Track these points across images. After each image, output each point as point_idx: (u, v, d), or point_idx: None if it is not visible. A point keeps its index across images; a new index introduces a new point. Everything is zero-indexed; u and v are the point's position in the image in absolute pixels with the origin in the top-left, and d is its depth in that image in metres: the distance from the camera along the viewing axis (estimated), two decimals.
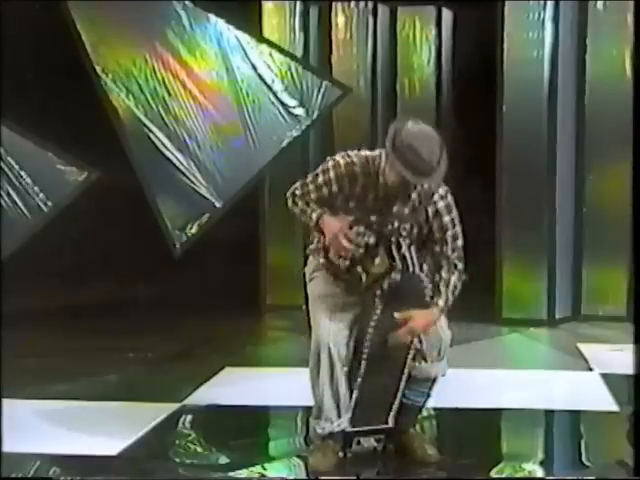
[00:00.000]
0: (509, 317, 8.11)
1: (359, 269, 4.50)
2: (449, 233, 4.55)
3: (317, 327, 4.58)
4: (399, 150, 4.30)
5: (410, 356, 4.58)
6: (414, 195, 4.51)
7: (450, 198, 4.57)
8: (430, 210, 4.53)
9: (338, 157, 4.56)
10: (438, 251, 4.56)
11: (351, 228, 4.46)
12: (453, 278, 4.55)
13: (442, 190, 4.56)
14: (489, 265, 8.17)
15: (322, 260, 4.67)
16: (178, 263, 8.34)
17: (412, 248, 4.50)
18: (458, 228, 4.59)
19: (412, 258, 4.48)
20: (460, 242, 4.60)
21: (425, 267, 4.55)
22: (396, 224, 4.51)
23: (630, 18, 7.93)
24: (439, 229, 4.55)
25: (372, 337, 4.54)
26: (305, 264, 4.82)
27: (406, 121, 4.39)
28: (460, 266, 4.58)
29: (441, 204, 4.54)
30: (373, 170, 4.50)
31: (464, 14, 9.18)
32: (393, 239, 4.49)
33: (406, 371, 4.61)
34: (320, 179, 4.56)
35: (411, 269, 4.46)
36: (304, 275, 4.80)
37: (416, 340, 4.57)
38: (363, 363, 4.56)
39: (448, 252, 4.56)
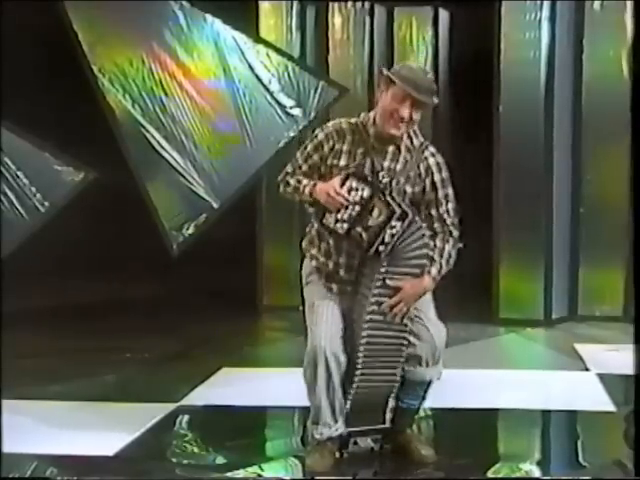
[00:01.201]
0: (506, 317, 8.11)
1: (358, 229, 4.43)
2: (441, 193, 4.53)
3: (313, 334, 4.56)
4: (396, 72, 4.43)
5: (404, 350, 4.57)
6: (404, 151, 4.52)
7: (440, 157, 4.57)
8: (422, 166, 4.52)
9: (326, 123, 4.66)
10: (434, 214, 4.54)
11: (343, 185, 4.42)
12: (447, 247, 4.53)
13: (432, 148, 4.58)
14: (486, 265, 8.18)
15: (314, 263, 4.66)
16: (175, 263, 8.34)
17: (406, 201, 4.45)
18: (450, 190, 4.56)
19: (409, 207, 4.44)
20: (453, 205, 4.56)
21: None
22: (388, 179, 4.49)
23: (627, 18, 7.94)
24: (431, 187, 4.53)
25: (372, 312, 4.49)
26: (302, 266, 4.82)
27: None
28: (455, 233, 4.56)
29: (432, 160, 4.54)
30: (362, 126, 4.54)
31: (461, 14, 9.19)
32: (387, 190, 4.45)
33: (399, 370, 4.62)
34: (309, 147, 4.61)
35: (410, 216, 4.40)
36: (301, 277, 4.79)
37: (412, 338, 4.57)
38: (360, 358, 4.54)
39: (444, 215, 4.53)
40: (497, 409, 5.77)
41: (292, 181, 4.63)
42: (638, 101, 6.67)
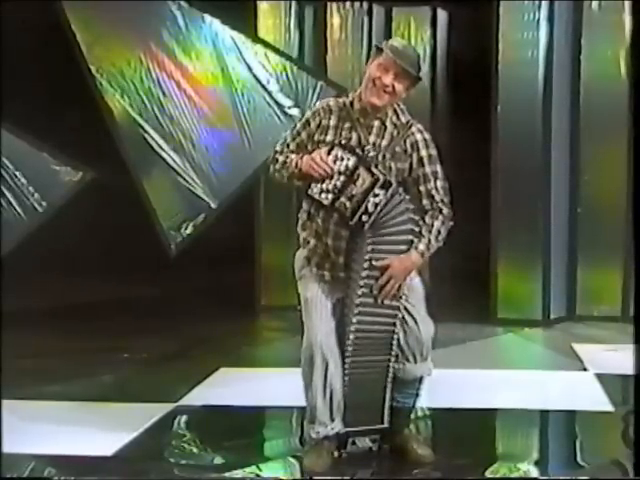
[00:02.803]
0: (504, 317, 8.11)
1: (342, 199, 4.43)
2: (428, 169, 4.52)
3: (309, 330, 4.58)
4: (386, 45, 4.49)
5: (396, 336, 4.58)
6: (390, 126, 4.53)
7: (428, 135, 4.57)
8: (408, 142, 4.52)
9: (315, 103, 4.81)
10: (423, 190, 4.52)
11: (329, 155, 4.43)
12: (436, 223, 4.51)
13: (419, 125, 4.59)
14: (484, 265, 8.18)
15: (305, 252, 4.65)
16: (173, 264, 8.34)
17: (392, 176, 4.45)
18: (439, 167, 4.55)
19: (393, 176, 4.44)
20: (443, 183, 4.55)
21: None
22: (374, 153, 4.49)
23: (625, 18, 7.95)
24: (418, 163, 4.52)
25: (362, 301, 4.50)
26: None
27: None
28: (445, 211, 4.54)
29: (419, 136, 4.54)
30: (349, 103, 4.60)
31: (459, 14, 9.19)
32: (372, 162, 4.46)
33: (391, 365, 4.62)
34: (298, 126, 4.66)
35: (394, 185, 4.40)
36: (293, 270, 4.79)
37: (401, 339, 4.59)
38: (350, 345, 4.55)
39: (432, 192, 4.52)
40: (495, 409, 5.77)
41: (281, 158, 4.62)
42: (637, 101, 6.69)
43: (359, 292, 4.50)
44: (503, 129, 8.05)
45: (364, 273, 4.48)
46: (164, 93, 8.17)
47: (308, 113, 4.66)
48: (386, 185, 4.40)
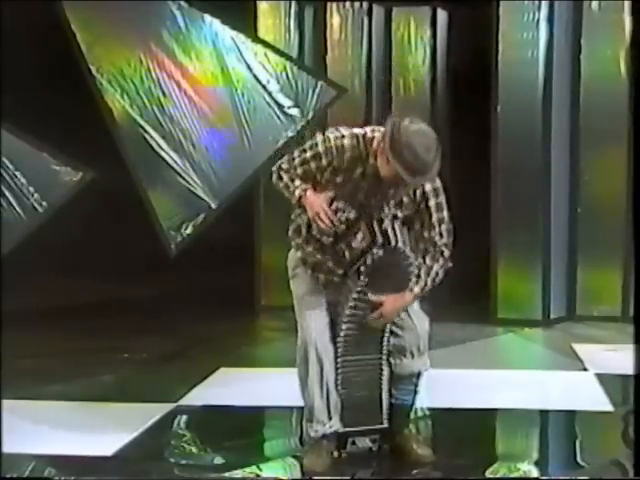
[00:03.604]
0: (504, 317, 8.11)
1: (342, 245, 4.46)
2: (435, 217, 4.49)
3: (303, 328, 4.59)
4: (397, 149, 4.23)
5: (385, 345, 4.58)
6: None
7: (438, 182, 4.51)
8: (418, 192, 4.48)
9: (328, 132, 4.50)
10: (426, 236, 4.51)
11: (331, 204, 4.42)
12: (436, 266, 4.51)
13: None
14: (484, 265, 8.18)
15: (300, 254, 4.65)
16: (173, 264, 8.34)
17: (396, 224, 4.44)
18: (446, 213, 4.53)
19: (395, 234, 4.43)
20: (447, 227, 4.53)
21: (409, 243, 4.50)
22: (380, 200, 4.46)
23: (625, 18, 7.95)
24: (426, 212, 4.49)
25: (350, 319, 4.53)
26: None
27: (404, 118, 4.31)
28: (447, 253, 4.53)
29: (428, 187, 4.48)
30: (363, 147, 4.43)
31: (459, 14, 9.18)
32: (375, 215, 4.44)
33: (384, 363, 4.63)
34: (308, 154, 4.51)
35: (393, 243, 4.40)
36: (287, 269, 4.78)
37: (392, 338, 4.59)
38: (341, 348, 4.57)
39: (435, 237, 4.50)
40: (495, 409, 5.77)
41: (285, 177, 4.57)
42: (637, 101, 6.69)
43: (350, 304, 4.53)
44: (503, 129, 8.05)
45: (352, 304, 4.52)
46: (164, 93, 8.17)
47: (321, 147, 4.45)
48: (385, 245, 4.42)
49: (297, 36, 8.77)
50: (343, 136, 4.45)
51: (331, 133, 4.49)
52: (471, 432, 5.28)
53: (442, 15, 9.17)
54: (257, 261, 8.85)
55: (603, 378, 6.28)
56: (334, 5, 8.82)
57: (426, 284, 4.51)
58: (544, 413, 5.71)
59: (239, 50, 8.27)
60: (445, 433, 5.42)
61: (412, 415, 4.90)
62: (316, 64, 8.78)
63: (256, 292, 8.85)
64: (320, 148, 4.47)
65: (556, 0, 8.00)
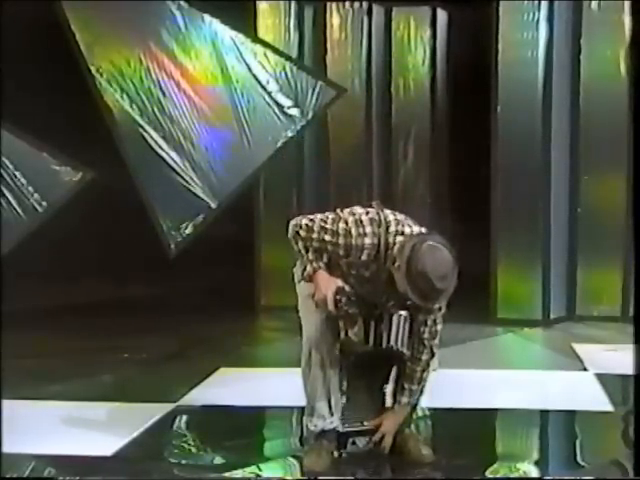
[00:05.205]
0: (504, 317, 8.11)
1: (340, 324, 4.50)
2: (431, 317, 4.53)
3: (308, 326, 4.61)
4: (412, 276, 4.19)
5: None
6: None
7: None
8: None
9: (351, 222, 4.40)
10: (416, 330, 4.53)
11: (337, 294, 4.42)
12: (418, 370, 4.60)
13: None
14: (484, 265, 8.18)
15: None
16: (173, 264, 8.34)
17: (394, 320, 4.45)
18: (440, 314, 4.56)
19: (389, 333, 4.45)
20: (440, 327, 4.59)
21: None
22: (386, 300, 4.49)
23: (625, 18, 7.95)
24: (425, 311, 4.49)
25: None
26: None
27: (424, 241, 4.26)
28: (426, 357, 4.59)
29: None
30: (383, 249, 4.37)
31: (459, 15, 9.19)
32: (375, 313, 4.48)
33: (393, 371, 4.66)
34: (327, 237, 4.44)
35: (384, 344, 4.46)
36: (293, 275, 4.79)
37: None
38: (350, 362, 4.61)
39: (425, 335, 4.55)
40: (495, 409, 5.77)
41: (300, 244, 4.52)
42: (637, 101, 6.69)
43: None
44: (503, 129, 8.05)
45: None
46: (164, 93, 8.17)
47: (341, 238, 4.39)
48: (376, 346, 4.48)
49: (297, 36, 8.77)
50: (365, 234, 4.38)
51: (354, 226, 4.40)
52: (471, 432, 5.28)
53: (442, 15, 9.17)
54: (257, 261, 8.85)
55: (603, 378, 6.28)
56: (334, 5, 8.82)
57: (412, 391, 4.63)
58: (544, 413, 5.71)
59: (239, 50, 8.27)
60: (445, 433, 5.41)
61: (413, 416, 4.90)
62: (316, 64, 8.78)
63: (256, 292, 8.85)
64: (340, 240, 4.41)
65: (556, 0, 8.01)
